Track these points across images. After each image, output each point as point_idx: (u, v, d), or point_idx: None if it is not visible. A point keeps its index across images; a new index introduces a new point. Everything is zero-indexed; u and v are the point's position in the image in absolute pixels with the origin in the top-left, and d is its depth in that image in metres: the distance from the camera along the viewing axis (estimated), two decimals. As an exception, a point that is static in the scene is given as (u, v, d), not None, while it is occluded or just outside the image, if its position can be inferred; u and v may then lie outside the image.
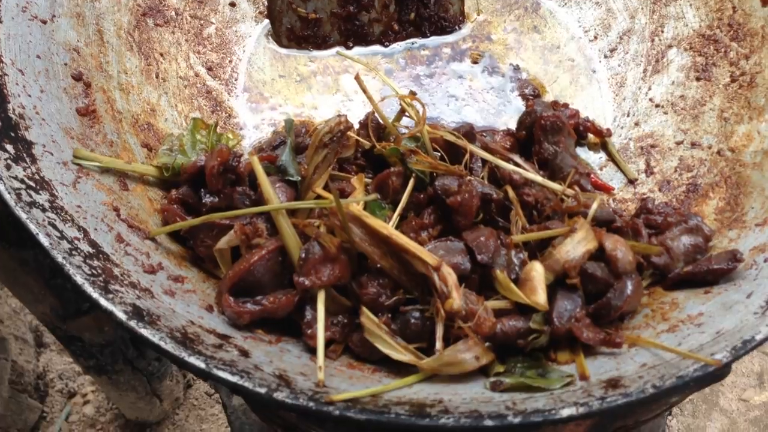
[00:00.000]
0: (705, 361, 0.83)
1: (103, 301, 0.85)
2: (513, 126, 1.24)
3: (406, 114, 1.15)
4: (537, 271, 0.94)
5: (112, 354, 2.12)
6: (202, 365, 0.82)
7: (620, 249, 0.96)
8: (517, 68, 1.33)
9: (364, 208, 1.00)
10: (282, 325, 0.98)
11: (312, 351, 0.94)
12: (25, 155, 0.97)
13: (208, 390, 2.59)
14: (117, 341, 2.10)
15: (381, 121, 1.14)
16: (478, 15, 1.41)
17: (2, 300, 2.49)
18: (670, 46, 1.31)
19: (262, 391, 0.81)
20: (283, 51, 1.36)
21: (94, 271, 0.89)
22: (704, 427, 2.48)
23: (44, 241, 0.88)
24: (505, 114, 1.28)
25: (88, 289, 0.86)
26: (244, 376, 0.82)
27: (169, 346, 0.83)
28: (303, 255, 0.94)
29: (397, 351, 0.91)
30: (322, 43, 1.36)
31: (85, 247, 0.92)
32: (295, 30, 1.35)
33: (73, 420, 2.51)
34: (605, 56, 1.35)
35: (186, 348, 0.84)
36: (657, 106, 1.27)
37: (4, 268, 1.77)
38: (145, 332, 0.84)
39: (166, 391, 2.44)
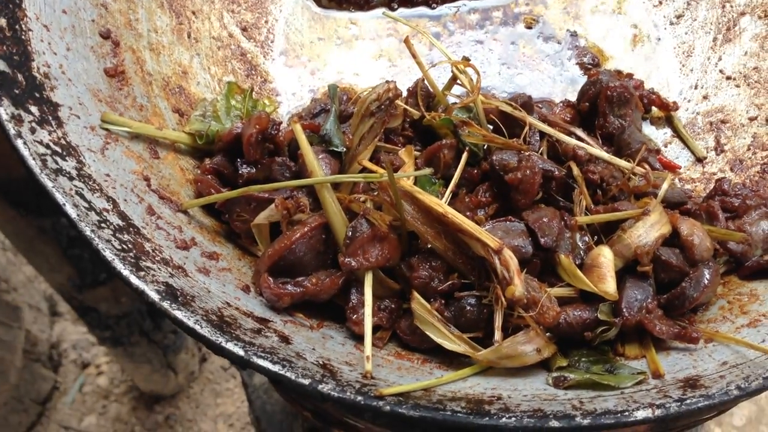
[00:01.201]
0: (797, 362, 0.75)
1: (134, 280, 0.78)
2: (570, 97, 1.15)
3: (458, 82, 1.06)
4: (606, 257, 0.86)
5: (128, 326, 2.09)
6: (241, 352, 0.75)
7: (697, 234, 0.88)
8: (574, 35, 1.24)
9: (414, 184, 0.92)
10: (321, 308, 0.91)
11: (357, 338, 0.87)
12: (50, 118, 0.89)
13: (223, 364, 2.55)
14: (133, 313, 2.06)
15: (431, 89, 1.05)
16: (531, -23, 1.31)
17: (16, 268, 2.45)
18: (742, 14, 1.21)
19: (306, 382, 0.74)
20: (323, 12, 1.27)
21: (124, 246, 0.82)
22: (731, 414, 2.41)
23: (71, 212, 0.81)
24: (561, 84, 1.19)
25: (119, 265, 0.79)
26: (286, 365, 0.75)
27: (205, 330, 0.76)
28: (350, 233, 0.87)
29: (451, 340, 0.84)
30: (365, 4, 1.27)
31: (115, 220, 0.85)
32: (335, -11, 1.27)
33: (87, 391, 2.48)
34: (671, 23, 1.24)
35: (223, 332, 0.77)
36: (728, 78, 1.18)
37: (22, 235, 1.72)
38: (179, 314, 0.77)
39: (181, 365, 2.40)
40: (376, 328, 0.88)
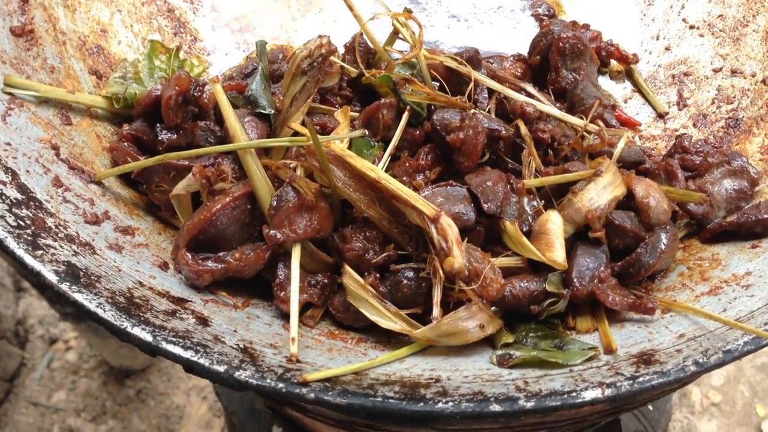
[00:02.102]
0: (758, 333, 0.69)
1: (29, 260, 0.71)
2: (524, 51, 1.07)
3: (400, 36, 0.98)
4: (554, 223, 0.80)
5: (90, 300, 2.01)
6: (149, 337, 0.68)
7: (653, 196, 0.82)
8: (529, -16, 1.16)
9: (350, 147, 0.86)
10: (251, 285, 0.84)
11: (286, 317, 0.81)
12: (-60, 82, 0.81)
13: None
14: (95, 286, 1.99)
15: (370, 44, 0.97)
16: (484, -77, 1.22)
17: (-26, 244, 2.36)
18: (707, -42, 1.14)
19: (221, 369, 0.68)
20: (259, -37, 1.18)
21: (20, 222, 0.74)
22: (710, 374, 2.40)
23: (-43, 186, 0.73)
24: (515, 38, 1.11)
25: (11, 244, 0.72)
26: (199, 350, 0.68)
27: (108, 313, 0.69)
28: (275, 203, 0.80)
29: (386, 318, 0.78)
30: (304, -45, 1.18)
31: (13, 193, 0.77)
32: (272, -61, 1.17)
33: (55, 367, 2.43)
34: (632, -30, 1.17)
35: (130, 316, 0.70)
36: (691, 27, 1.11)
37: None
38: (80, 297, 0.70)
39: (150, 338, 2.34)
40: (307, 306, 0.82)
